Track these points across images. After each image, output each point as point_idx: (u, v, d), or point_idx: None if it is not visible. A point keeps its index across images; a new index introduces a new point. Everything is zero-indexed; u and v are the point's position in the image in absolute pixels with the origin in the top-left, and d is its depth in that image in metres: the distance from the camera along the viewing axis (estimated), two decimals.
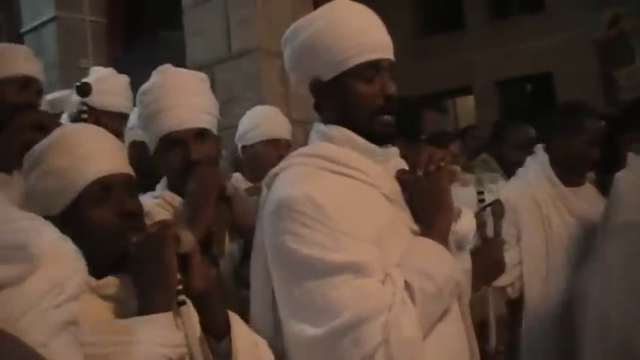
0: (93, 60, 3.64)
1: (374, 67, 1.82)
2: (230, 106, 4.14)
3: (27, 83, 2.41)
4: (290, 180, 1.76)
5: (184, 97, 2.17)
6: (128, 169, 1.72)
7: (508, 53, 12.72)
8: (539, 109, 8.23)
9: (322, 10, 1.87)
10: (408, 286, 1.65)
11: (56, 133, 1.72)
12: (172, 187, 2.17)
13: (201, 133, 2.15)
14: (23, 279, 1.10)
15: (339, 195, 1.71)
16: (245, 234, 2.15)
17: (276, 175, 1.83)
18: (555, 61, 12.11)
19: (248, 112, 3.55)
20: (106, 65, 3.86)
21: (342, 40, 1.80)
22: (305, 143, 1.94)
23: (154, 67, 2.26)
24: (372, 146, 1.83)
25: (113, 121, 3.04)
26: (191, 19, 4.59)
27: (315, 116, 1.92)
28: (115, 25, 5.86)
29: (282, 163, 1.85)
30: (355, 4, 1.88)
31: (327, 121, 1.88)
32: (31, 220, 1.22)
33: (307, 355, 1.65)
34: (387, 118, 1.84)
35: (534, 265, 3.00)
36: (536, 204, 3.07)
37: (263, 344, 1.74)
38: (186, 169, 2.08)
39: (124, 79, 3.31)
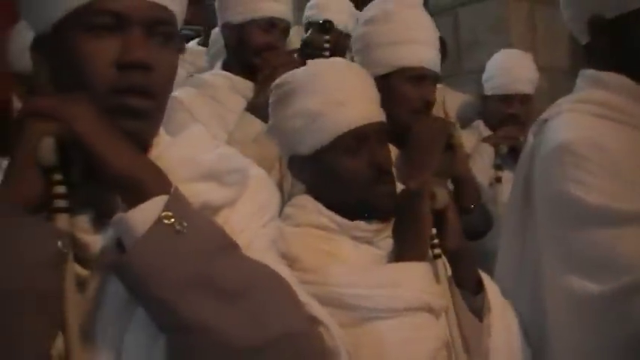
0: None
1: None
2: (474, 50, 4.03)
3: (272, 25, 2.44)
4: (568, 125, 1.63)
5: (429, 35, 2.11)
6: (382, 116, 1.67)
7: None
8: None
9: None
10: None
11: (310, 69, 1.67)
12: None
13: (436, 80, 2.10)
14: (236, 201, 1.14)
15: (623, 142, 1.56)
16: (461, 185, 2.12)
17: (546, 121, 1.70)
18: None
19: (499, 57, 3.41)
20: None
21: None
22: (551, 91, 1.82)
23: None
24: None
25: None
26: None
27: (561, 64, 1.79)
28: None
29: (552, 109, 1.72)
30: None
31: (598, 65, 1.71)
32: (232, 149, 1.25)
33: (584, 315, 1.51)
34: None
35: None
36: None
37: (509, 305, 1.68)
38: (419, 110, 2.02)
39: None
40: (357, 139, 1.59)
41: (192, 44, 3.72)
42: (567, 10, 1.77)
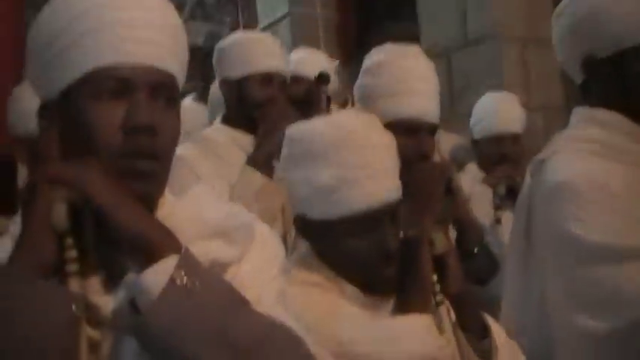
0: (325, 53, 3.86)
1: None
2: (467, 93, 4.06)
3: (269, 79, 2.47)
4: (565, 164, 1.64)
5: (427, 85, 2.10)
6: (398, 190, 1.61)
7: None
8: None
9: None
10: None
11: (330, 135, 1.56)
12: None
13: (434, 130, 2.09)
14: (243, 257, 1.17)
15: (619, 178, 1.57)
16: (464, 228, 2.12)
17: (543, 161, 1.71)
18: None
19: (484, 100, 3.44)
20: (337, 58, 3.95)
21: (634, 11, 1.62)
22: (546, 130, 1.84)
23: None
24: None
25: None
26: (425, 5, 4.54)
27: (555, 102, 1.81)
28: (347, 20, 6.03)
29: (548, 149, 1.73)
30: None
31: (592, 103, 1.73)
32: (237, 206, 1.29)
33: (590, 353, 1.51)
34: None
35: None
36: None
37: (515, 346, 1.66)
38: (413, 162, 1.99)
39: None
40: (369, 221, 1.54)
41: (187, 100, 3.75)
42: (561, 51, 1.79)
